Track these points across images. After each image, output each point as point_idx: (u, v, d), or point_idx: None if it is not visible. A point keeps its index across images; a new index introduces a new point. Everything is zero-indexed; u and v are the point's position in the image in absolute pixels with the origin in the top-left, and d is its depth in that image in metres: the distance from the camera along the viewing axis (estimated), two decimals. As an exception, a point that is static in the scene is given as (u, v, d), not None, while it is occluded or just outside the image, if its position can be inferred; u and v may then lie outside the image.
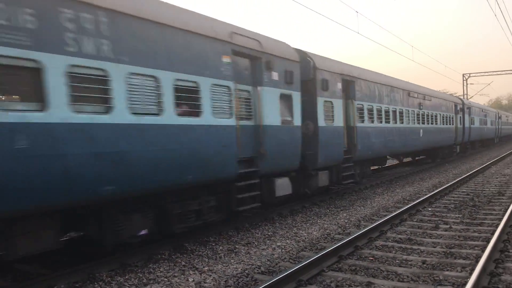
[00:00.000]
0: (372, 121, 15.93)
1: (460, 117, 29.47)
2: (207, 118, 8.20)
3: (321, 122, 12.40)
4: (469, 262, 6.97)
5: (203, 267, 7.22)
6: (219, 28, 8.88)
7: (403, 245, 8.16)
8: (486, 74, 54.93)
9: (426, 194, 13.81)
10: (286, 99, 10.79)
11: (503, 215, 10.05)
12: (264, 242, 8.72)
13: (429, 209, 11.80)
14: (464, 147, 31.89)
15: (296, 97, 11.18)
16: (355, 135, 14.45)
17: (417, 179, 19.05)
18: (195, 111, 8.00)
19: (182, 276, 6.80)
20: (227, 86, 8.83)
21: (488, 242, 7.85)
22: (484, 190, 14.83)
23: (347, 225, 10.11)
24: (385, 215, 10.74)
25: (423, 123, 21.75)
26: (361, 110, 15.02)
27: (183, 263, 7.47)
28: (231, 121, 8.91)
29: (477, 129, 35.12)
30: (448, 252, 7.63)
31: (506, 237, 8.37)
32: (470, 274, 6.23)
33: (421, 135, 21.36)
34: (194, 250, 8.21)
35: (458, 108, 29.09)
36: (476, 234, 8.86)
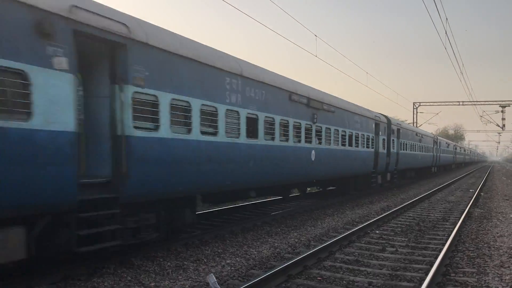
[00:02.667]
0: (407, 150, 29.33)
1: (436, 147, 42.94)
2: (367, 149, 20.61)
3: (391, 150, 24.99)
4: (413, 284, 7.15)
5: (150, 282, 7.04)
6: (370, 112, 21.69)
7: (350, 266, 8.29)
8: (435, 104, 57.40)
9: (374, 217, 14.14)
10: (382, 140, 23.14)
11: (446, 240, 10.42)
12: (214, 259, 8.62)
13: (377, 231, 12.07)
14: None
15: (385, 139, 23.89)
16: (397, 157, 26.79)
17: (366, 202, 19.49)
18: (363, 145, 20.17)
19: (127, 291, 6.59)
20: (372, 135, 21.58)
21: (431, 266, 8.10)
22: (430, 216, 15.35)
23: (297, 245, 10.17)
24: (335, 236, 10.90)
25: (421, 151, 35.52)
26: (402, 144, 27.74)
27: (129, 278, 7.25)
28: (372, 150, 21.63)
29: (443, 156, 48.93)
30: (393, 274, 7.80)
31: (448, 261, 8.67)
32: (414, 296, 6.39)
33: (420, 158, 35.21)
34: (141, 265, 8.00)
35: (434, 142, 41.95)
36: (420, 257, 9.12)
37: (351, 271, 8.02)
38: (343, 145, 17.45)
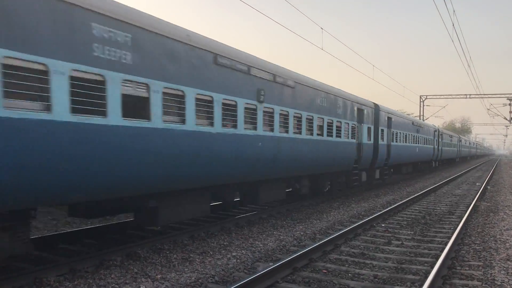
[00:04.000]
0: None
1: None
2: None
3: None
4: (419, 277, 7.15)
5: (156, 275, 7.09)
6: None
7: (356, 259, 8.30)
8: (442, 97, 57.02)
9: (380, 210, 14.13)
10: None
11: (452, 234, 10.40)
12: (220, 252, 8.66)
13: (383, 225, 12.06)
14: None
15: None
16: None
17: (372, 195, 19.47)
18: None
19: (134, 283, 6.65)
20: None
21: (437, 259, 8.09)
22: (436, 209, 15.32)
23: (303, 238, 10.19)
24: (340, 229, 10.91)
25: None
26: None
27: (135, 270, 7.31)
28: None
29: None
30: (399, 267, 7.81)
31: (454, 254, 8.66)
32: (419, 289, 6.40)
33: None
34: (148, 258, 8.05)
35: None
36: (426, 251, 9.12)
37: (356, 264, 8.03)
38: None
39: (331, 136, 15.09)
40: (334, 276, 7.27)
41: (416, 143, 29.50)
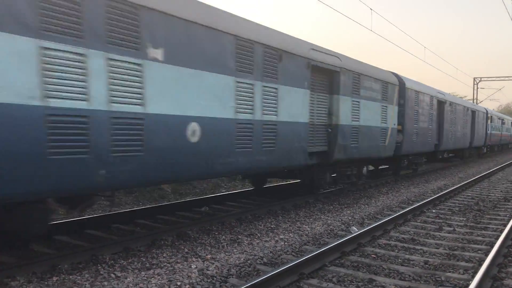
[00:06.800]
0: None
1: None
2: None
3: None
4: (472, 265, 6.95)
5: (206, 254, 7.25)
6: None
7: (406, 245, 8.16)
8: (497, 79, 54.49)
9: (431, 196, 13.78)
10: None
11: (508, 221, 10.01)
12: (267, 234, 8.74)
13: (433, 210, 11.77)
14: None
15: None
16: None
17: (422, 180, 18.99)
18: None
19: (185, 262, 6.83)
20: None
21: (492, 246, 7.83)
22: (490, 195, 14.77)
23: (351, 222, 10.10)
24: (389, 215, 10.73)
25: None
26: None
27: (186, 250, 7.50)
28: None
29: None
30: (451, 254, 7.61)
31: (510, 242, 8.33)
32: (473, 277, 6.23)
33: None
34: (197, 238, 8.24)
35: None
36: (480, 238, 8.83)
37: (406, 249, 7.90)
38: None
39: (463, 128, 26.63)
40: (383, 261, 7.19)
41: (502, 132, 42.46)
